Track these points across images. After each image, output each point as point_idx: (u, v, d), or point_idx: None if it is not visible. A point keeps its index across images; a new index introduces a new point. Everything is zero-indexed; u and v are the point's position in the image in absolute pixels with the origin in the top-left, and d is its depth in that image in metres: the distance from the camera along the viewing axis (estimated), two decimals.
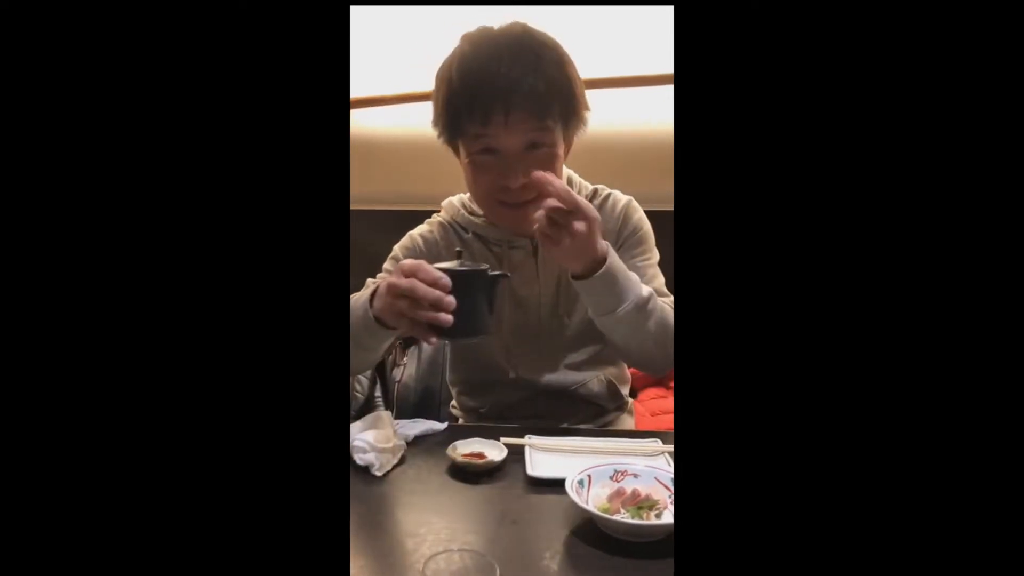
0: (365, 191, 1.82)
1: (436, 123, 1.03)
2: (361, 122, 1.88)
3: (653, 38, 1.69)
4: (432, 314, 0.78)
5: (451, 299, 0.77)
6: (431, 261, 1.15)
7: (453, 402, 1.34)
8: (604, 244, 0.94)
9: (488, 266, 0.86)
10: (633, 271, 1.08)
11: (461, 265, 0.83)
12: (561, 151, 1.03)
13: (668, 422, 1.53)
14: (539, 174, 0.87)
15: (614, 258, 0.95)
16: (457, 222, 1.16)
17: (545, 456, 0.92)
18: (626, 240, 1.13)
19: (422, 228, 1.19)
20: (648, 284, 1.07)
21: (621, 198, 1.16)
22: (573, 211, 0.87)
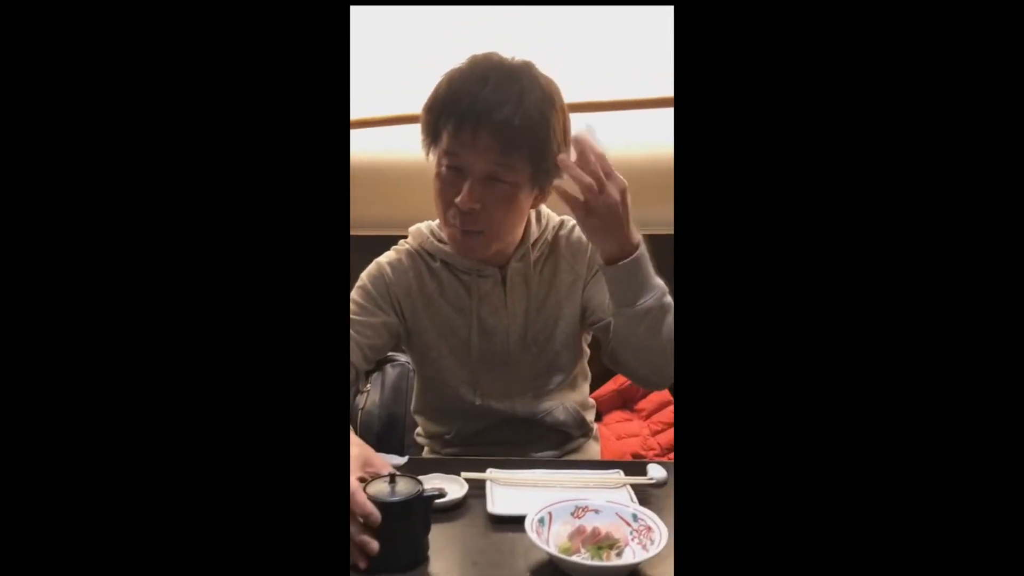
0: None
1: (422, 128, 1.04)
2: None
3: (650, 61, 1.69)
4: (355, 552, 0.74)
5: (374, 545, 0.73)
6: (400, 290, 1.15)
7: (418, 429, 1.32)
8: (636, 232, 0.93)
9: (422, 485, 0.79)
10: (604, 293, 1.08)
11: (393, 486, 0.77)
12: (525, 195, 1.02)
13: (633, 445, 1.54)
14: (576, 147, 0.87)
15: (644, 248, 0.95)
16: (425, 249, 1.15)
17: (507, 491, 0.92)
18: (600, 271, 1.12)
19: (389, 256, 1.17)
20: None
21: None
22: (606, 177, 0.87)
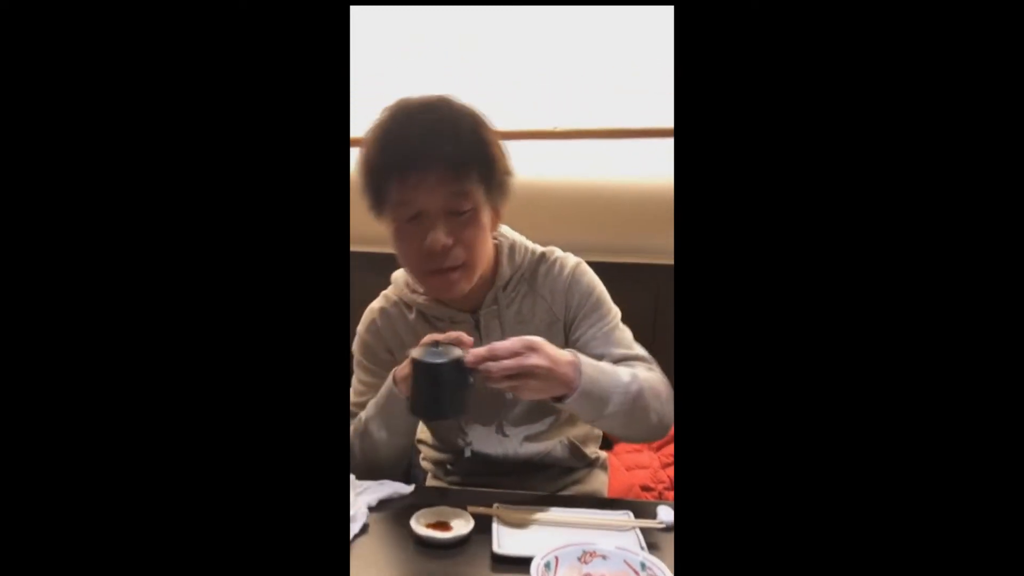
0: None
1: (363, 193, 1.02)
2: None
3: (652, 89, 1.68)
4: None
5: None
6: (391, 337, 1.15)
7: (422, 455, 1.31)
8: (569, 357, 0.92)
9: (460, 354, 0.89)
10: (597, 340, 1.07)
11: (434, 352, 0.90)
12: (486, 218, 1.01)
13: (642, 477, 1.51)
14: (472, 355, 0.89)
15: (587, 365, 0.94)
16: (403, 300, 1.14)
17: (513, 530, 0.89)
18: (579, 308, 1.10)
19: (379, 303, 1.18)
20: (619, 350, 1.06)
21: (569, 261, 1.13)
22: (517, 353, 0.87)
